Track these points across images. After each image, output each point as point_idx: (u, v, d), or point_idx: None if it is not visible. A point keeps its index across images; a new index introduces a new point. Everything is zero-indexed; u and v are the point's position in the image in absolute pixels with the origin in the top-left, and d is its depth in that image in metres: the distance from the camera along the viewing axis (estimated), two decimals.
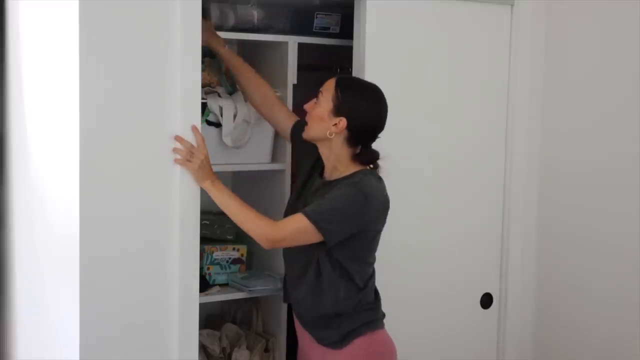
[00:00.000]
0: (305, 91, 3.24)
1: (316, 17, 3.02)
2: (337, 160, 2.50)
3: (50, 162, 2.63)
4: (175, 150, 2.42)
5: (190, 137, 2.46)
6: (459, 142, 3.08)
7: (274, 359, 3.03)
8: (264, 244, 2.43)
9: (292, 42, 2.93)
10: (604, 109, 3.06)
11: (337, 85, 2.46)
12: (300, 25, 3.00)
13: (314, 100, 2.52)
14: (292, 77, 2.95)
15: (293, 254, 2.57)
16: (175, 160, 2.42)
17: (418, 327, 2.99)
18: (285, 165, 2.99)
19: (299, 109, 3.07)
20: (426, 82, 2.98)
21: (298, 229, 2.38)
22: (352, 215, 2.39)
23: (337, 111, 2.44)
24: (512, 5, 3.09)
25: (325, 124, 2.46)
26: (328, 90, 2.47)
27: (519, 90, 3.14)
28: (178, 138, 2.41)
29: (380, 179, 2.52)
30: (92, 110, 2.34)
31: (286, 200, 3.00)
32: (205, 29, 2.57)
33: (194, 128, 2.43)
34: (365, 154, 2.50)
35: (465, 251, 3.15)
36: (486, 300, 3.20)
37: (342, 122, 2.44)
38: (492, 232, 3.19)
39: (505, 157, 3.17)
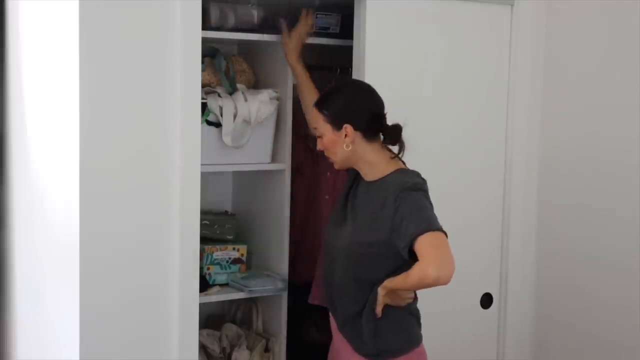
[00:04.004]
0: None
1: (316, 17, 3.02)
2: (373, 162, 2.45)
3: (50, 162, 2.63)
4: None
5: (189, 137, 2.46)
6: (458, 142, 3.08)
7: (274, 359, 3.03)
8: (446, 281, 2.23)
9: None
10: (604, 109, 3.06)
11: (317, 108, 2.46)
12: None
13: (318, 139, 2.50)
14: (292, 77, 2.94)
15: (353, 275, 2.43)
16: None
17: None
18: (285, 165, 2.99)
19: (298, 109, 3.08)
20: (426, 83, 2.98)
21: (443, 244, 2.24)
22: (431, 207, 2.37)
23: (336, 124, 2.42)
24: (512, 5, 3.09)
25: (340, 144, 2.43)
26: (316, 119, 2.47)
27: (519, 91, 3.14)
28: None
29: (412, 172, 2.48)
30: (92, 110, 2.34)
31: (287, 200, 3.01)
32: (294, 47, 2.83)
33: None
34: (390, 134, 2.47)
35: (465, 251, 3.14)
36: (486, 300, 3.20)
37: (347, 127, 2.41)
38: (492, 232, 3.19)
39: (505, 157, 3.17)
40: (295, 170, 3.15)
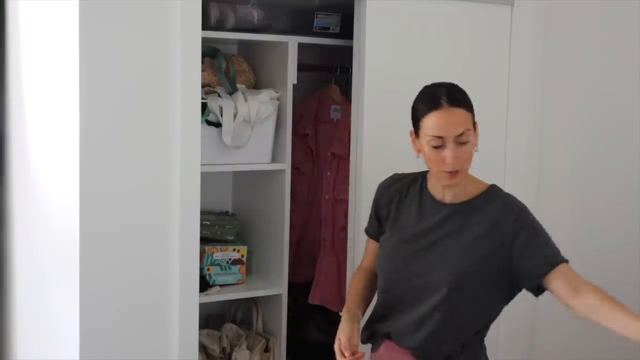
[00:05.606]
0: (306, 91, 3.25)
1: (316, 17, 3.02)
2: (469, 175, 2.18)
3: (50, 162, 2.63)
4: None
5: (189, 137, 2.46)
6: None
7: (274, 359, 3.03)
8: None
9: (292, 42, 2.93)
10: (603, 108, 3.06)
11: (462, 106, 2.13)
12: (300, 25, 3.00)
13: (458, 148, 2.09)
14: (292, 77, 2.94)
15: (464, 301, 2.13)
16: None
17: None
18: (285, 165, 2.99)
19: (298, 109, 3.08)
20: (426, 83, 2.97)
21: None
22: None
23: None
24: (512, 5, 3.09)
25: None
26: (466, 120, 2.10)
27: (519, 90, 3.14)
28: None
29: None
30: (92, 111, 2.34)
31: (287, 200, 3.00)
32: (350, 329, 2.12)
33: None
34: None
35: None
36: None
37: (477, 124, 2.12)
38: None
39: (505, 157, 3.17)
40: (295, 170, 3.15)
